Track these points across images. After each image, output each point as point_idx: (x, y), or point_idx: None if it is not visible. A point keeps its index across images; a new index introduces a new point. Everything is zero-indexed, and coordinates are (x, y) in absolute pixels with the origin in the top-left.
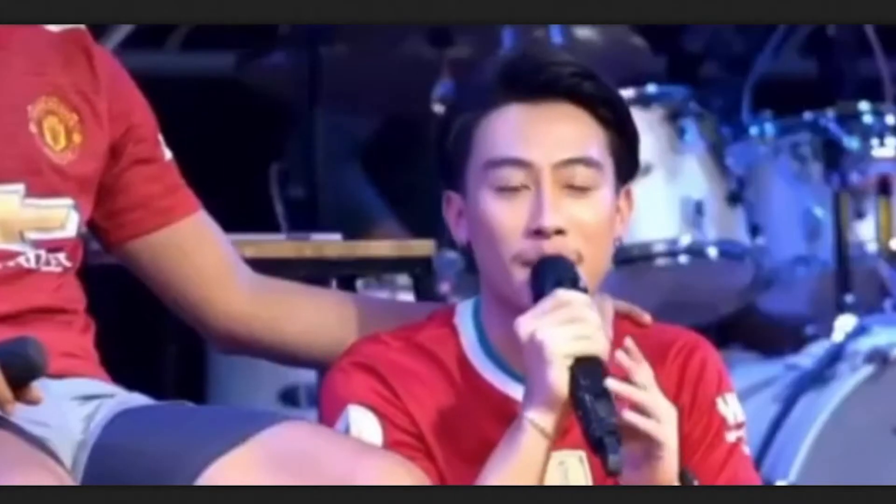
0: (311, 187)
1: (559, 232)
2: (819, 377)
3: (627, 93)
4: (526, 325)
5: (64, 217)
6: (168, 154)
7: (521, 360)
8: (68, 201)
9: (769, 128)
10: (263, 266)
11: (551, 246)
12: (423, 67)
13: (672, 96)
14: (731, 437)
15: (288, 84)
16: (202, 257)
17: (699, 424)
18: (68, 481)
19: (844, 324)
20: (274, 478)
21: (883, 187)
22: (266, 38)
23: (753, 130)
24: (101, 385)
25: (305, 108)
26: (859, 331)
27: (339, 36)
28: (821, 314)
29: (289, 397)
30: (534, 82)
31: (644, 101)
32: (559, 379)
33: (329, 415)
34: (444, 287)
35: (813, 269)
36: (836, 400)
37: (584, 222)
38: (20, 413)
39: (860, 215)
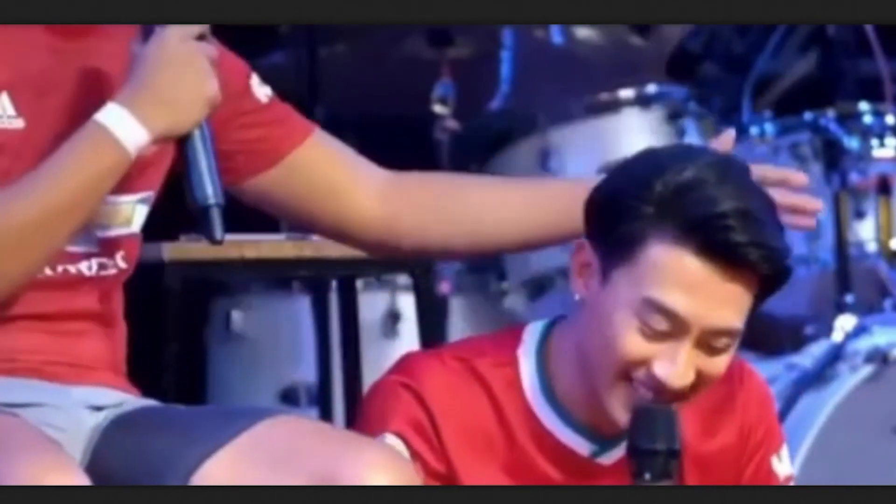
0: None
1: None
2: (819, 377)
3: (627, 93)
4: None
5: (130, 212)
6: (264, 96)
7: (586, 413)
8: (142, 195)
9: (769, 128)
10: (263, 266)
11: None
12: (423, 67)
13: (672, 96)
14: None
15: (288, 84)
16: (323, 178)
17: (752, 478)
18: (85, 482)
19: (844, 324)
20: (260, 474)
21: (883, 187)
22: (266, 38)
23: (753, 130)
24: (116, 394)
25: (305, 108)
26: (859, 331)
27: (339, 36)
28: (821, 314)
29: (289, 397)
30: (718, 253)
31: (644, 101)
32: None
33: (366, 430)
34: (444, 287)
35: (813, 269)
36: (836, 400)
37: (709, 375)
38: (37, 417)
39: (860, 215)
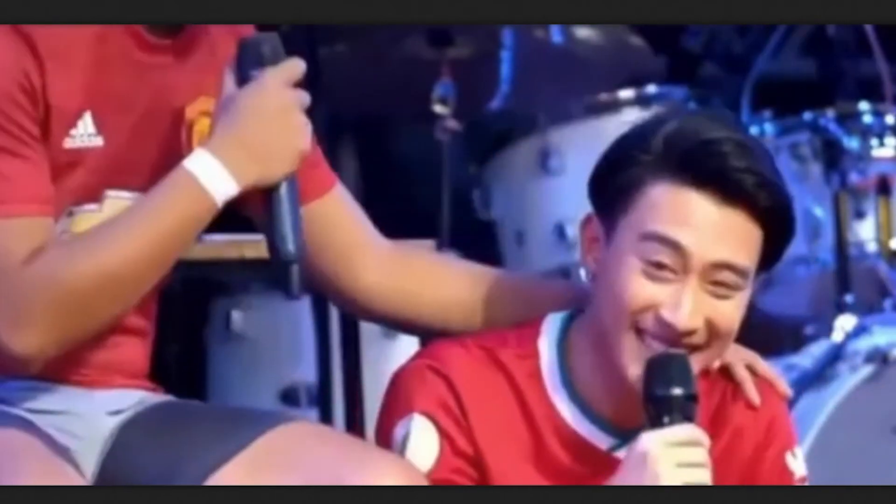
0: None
1: (690, 331)
2: (819, 377)
3: (627, 93)
4: (651, 446)
5: None
6: None
7: (609, 409)
8: None
9: (769, 128)
10: (263, 266)
11: (678, 339)
12: (423, 67)
13: (672, 96)
14: None
15: None
16: (334, 234)
17: (767, 479)
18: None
19: (844, 324)
20: (270, 482)
21: (883, 187)
22: None
23: (753, 130)
24: (136, 394)
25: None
26: (859, 331)
27: (339, 36)
28: (821, 314)
29: (289, 397)
30: (711, 181)
31: (644, 101)
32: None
33: (392, 413)
34: None
35: (813, 269)
36: (836, 400)
37: (718, 322)
38: (57, 424)
39: (860, 215)
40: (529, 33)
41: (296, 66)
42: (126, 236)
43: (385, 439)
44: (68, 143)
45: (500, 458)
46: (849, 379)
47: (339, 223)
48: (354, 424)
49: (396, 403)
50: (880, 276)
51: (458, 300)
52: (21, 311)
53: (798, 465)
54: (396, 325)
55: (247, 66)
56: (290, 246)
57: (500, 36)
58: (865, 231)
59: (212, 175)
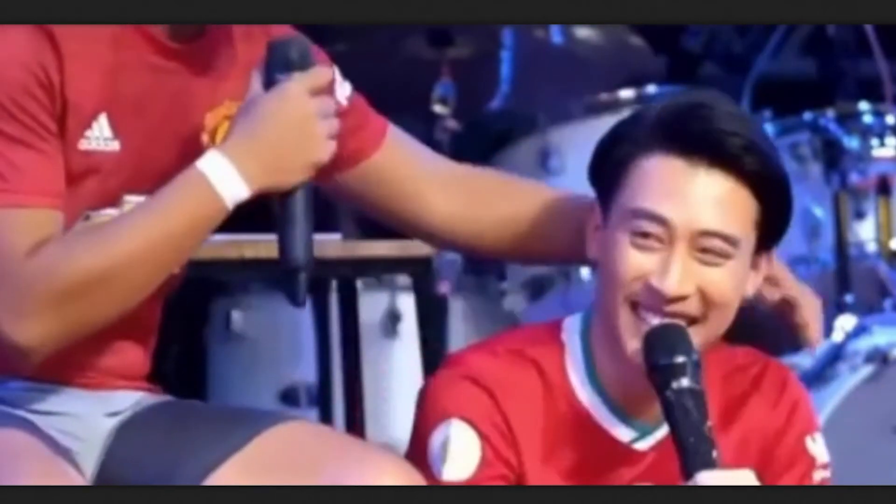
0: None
1: (680, 298)
2: (819, 377)
3: (627, 93)
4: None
5: None
6: (344, 98)
7: (630, 401)
8: None
9: (769, 128)
10: (263, 266)
11: (669, 307)
12: (423, 67)
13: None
14: (816, 477)
15: None
16: (397, 183)
17: (786, 463)
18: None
19: (844, 324)
20: (263, 481)
21: (883, 187)
22: None
23: None
24: (135, 395)
25: None
26: (859, 331)
27: (339, 36)
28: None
29: (289, 397)
30: (697, 145)
31: (644, 101)
32: None
33: (427, 424)
34: (444, 287)
35: (813, 269)
36: (836, 400)
37: (709, 291)
38: (57, 426)
39: (860, 215)
40: (529, 33)
41: (322, 74)
42: (131, 233)
43: (421, 453)
44: (83, 145)
45: (533, 458)
46: (849, 379)
47: (400, 169)
48: (354, 424)
49: (431, 413)
50: (880, 276)
51: (516, 215)
52: (23, 302)
53: (819, 451)
54: (480, 251)
55: (273, 69)
56: (299, 253)
57: (500, 36)
58: (865, 231)
59: (223, 177)
